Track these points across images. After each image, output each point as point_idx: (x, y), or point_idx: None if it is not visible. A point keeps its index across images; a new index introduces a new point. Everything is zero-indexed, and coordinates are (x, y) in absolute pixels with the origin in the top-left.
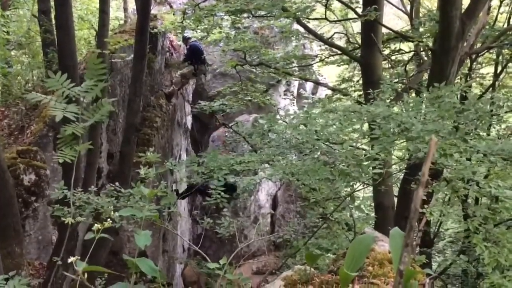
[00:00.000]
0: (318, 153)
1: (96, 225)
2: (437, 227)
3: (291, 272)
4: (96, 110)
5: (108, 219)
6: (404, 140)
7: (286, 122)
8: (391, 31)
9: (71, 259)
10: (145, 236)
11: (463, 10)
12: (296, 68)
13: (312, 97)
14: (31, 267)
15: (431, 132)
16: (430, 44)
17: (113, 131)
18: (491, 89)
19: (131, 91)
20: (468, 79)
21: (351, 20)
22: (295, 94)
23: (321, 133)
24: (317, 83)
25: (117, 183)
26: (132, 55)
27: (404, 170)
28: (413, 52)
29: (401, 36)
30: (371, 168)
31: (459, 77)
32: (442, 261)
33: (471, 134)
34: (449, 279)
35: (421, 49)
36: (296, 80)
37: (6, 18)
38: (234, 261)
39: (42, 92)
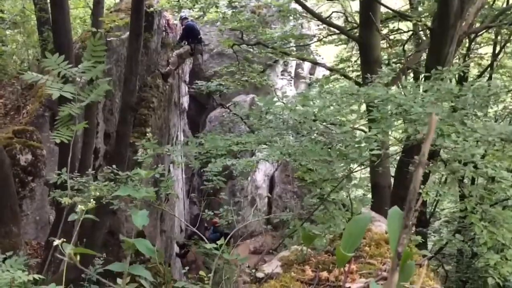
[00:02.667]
0: (316, 134)
1: (80, 206)
2: (433, 207)
3: (288, 252)
4: (92, 90)
5: (92, 200)
6: (402, 122)
7: (283, 102)
8: (390, 10)
9: (57, 242)
10: (142, 216)
11: None
12: (294, 48)
13: (310, 77)
14: (29, 247)
15: (429, 115)
16: (429, 23)
17: (110, 111)
18: (489, 69)
19: (127, 70)
20: (466, 59)
21: None
22: (293, 74)
23: (319, 115)
24: (315, 63)
25: (114, 166)
26: (128, 34)
27: (401, 153)
28: (411, 32)
29: (400, 16)
30: (368, 150)
31: (457, 57)
32: (438, 240)
33: (469, 117)
34: (445, 258)
35: (420, 29)
36: (293, 60)
37: None
38: (231, 240)
39: (38, 71)
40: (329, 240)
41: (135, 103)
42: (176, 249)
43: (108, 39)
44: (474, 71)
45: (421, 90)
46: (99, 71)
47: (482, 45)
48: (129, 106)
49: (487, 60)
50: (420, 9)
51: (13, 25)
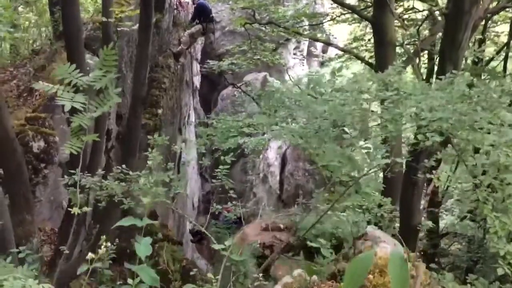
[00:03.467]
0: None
1: (90, 254)
2: (445, 187)
3: (291, 279)
4: (103, 101)
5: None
6: (413, 125)
7: (299, 87)
8: None
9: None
10: (145, 245)
11: None
12: (307, 27)
13: (323, 56)
14: (43, 233)
15: (440, 121)
16: (445, 2)
17: (122, 92)
18: (505, 47)
19: (137, 63)
20: (482, 37)
21: None
22: (305, 52)
23: (329, 114)
24: (328, 44)
25: (125, 152)
26: (138, 25)
27: (409, 156)
28: (426, 12)
29: (413, 10)
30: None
31: (473, 39)
32: (451, 225)
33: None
34: (456, 237)
35: (435, 9)
36: (306, 39)
37: None
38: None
39: (49, 52)
40: (334, 260)
41: (144, 96)
42: (189, 227)
43: (118, 29)
44: (490, 49)
45: (432, 89)
46: (110, 80)
47: (498, 23)
48: (139, 99)
49: (503, 42)
50: None
51: (25, 4)
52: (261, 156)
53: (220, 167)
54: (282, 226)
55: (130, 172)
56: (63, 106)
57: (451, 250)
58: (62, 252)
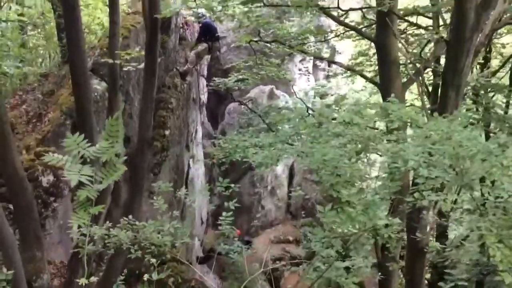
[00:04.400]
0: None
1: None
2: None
3: None
4: (110, 171)
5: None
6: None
7: (305, 103)
8: (408, 6)
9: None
10: None
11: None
12: (312, 43)
13: (329, 69)
14: (52, 265)
15: (437, 179)
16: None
17: (129, 115)
18: (511, 59)
19: (142, 104)
20: (486, 55)
21: None
22: (311, 65)
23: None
24: (332, 62)
25: (130, 216)
26: (143, 64)
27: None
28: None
29: (417, 26)
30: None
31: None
32: (460, 237)
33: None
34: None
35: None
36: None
37: None
38: (252, 230)
39: (57, 76)
40: None
41: (151, 137)
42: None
43: (124, 69)
44: (495, 62)
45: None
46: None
47: (503, 35)
48: (145, 141)
49: (509, 52)
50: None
51: (33, 26)
52: (268, 169)
53: (224, 214)
54: (291, 238)
55: (137, 223)
56: (72, 132)
57: (461, 260)
58: (72, 285)
